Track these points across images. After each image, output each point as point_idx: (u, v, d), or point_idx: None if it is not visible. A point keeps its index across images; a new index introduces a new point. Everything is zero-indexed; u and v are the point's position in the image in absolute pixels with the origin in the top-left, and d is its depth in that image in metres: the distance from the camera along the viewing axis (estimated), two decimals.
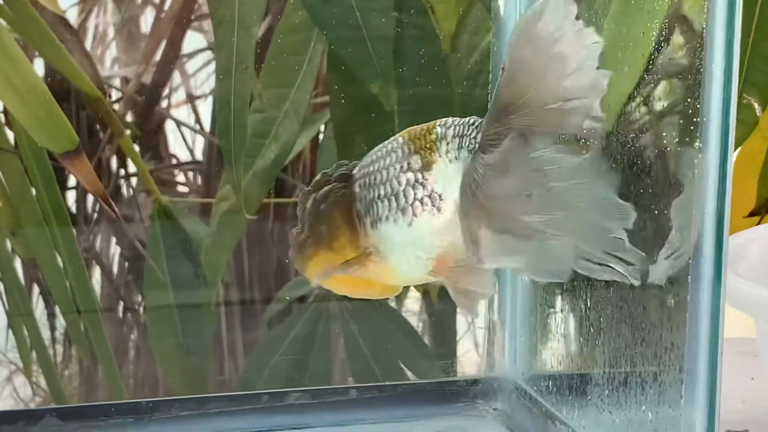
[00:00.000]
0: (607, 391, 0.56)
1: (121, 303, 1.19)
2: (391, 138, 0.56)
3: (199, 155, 1.29)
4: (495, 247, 0.51)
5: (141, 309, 1.10)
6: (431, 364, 0.93)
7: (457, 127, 0.55)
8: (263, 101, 0.84)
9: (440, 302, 0.90)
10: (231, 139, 0.80)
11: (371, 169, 0.56)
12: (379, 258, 0.55)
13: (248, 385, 0.91)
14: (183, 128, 1.30)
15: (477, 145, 0.54)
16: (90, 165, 0.93)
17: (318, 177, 0.58)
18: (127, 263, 1.28)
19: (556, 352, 0.64)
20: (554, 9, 0.51)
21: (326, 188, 0.56)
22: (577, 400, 0.60)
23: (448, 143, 0.55)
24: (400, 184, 0.55)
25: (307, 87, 0.87)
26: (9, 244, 1.08)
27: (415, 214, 0.55)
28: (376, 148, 0.57)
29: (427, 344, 0.93)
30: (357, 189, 0.56)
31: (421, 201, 0.55)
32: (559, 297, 0.64)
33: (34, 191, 1.04)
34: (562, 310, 0.64)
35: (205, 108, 1.28)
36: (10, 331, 1.15)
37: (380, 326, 0.90)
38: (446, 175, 0.55)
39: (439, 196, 0.55)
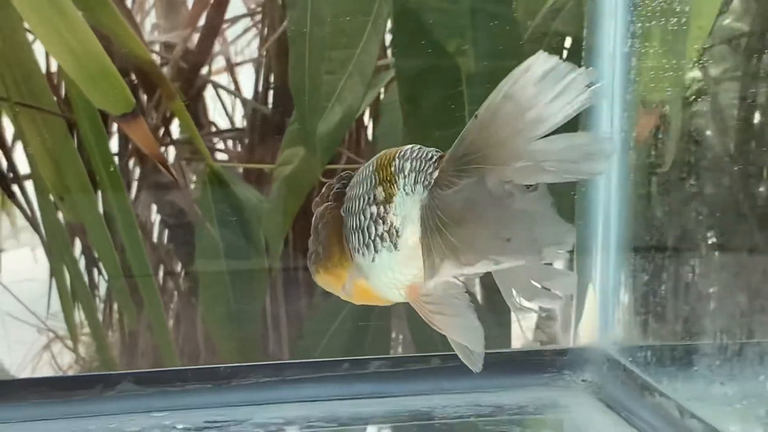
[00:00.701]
0: (717, 362, 0.53)
1: (162, 269, 1.16)
2: (369, 161, 0.56)
3: (238, 123, 1.25)
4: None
5: (182, 276, 1.07)
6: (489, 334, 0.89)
7: (414, 162, 0.54)
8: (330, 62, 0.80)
9: None
10: (305, 98, 0.76)
11: (351, 194, 0.56)
12: (363, 281, 0.55)
13: (304, 353, 0.88)
14: (222, 96, 1.26)
15: (432, 182, 0.53)
16: (147, 127, 0.89)
17: (324, 189, 0.57)
18: (168, 230, 1.24)
19: (656, 320, 0.61)
20: (539, 71, 0.49)
21: (322, 207, 0.56)
22: (681, 372, 0.56)
23: (405, 176, 0.54)
24: (365, 217, 0.55)
25: (373, 49, 0.83)
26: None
27: (377, 250, 0.54)
28: (359, 170, 0.56)
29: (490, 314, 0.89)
30: (343, 213, 0.56)
31: (381, 237, 0.55)
32: (660, 263, 0.61)
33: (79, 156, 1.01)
34: (663, 277, 0.60)
35: (245, 75, 1.24)
36: (53, 299, 1.12)
37: None
38: (404, 209, 0.54)
39: (397, 231, 0.54)
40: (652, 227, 0.63)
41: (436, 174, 0.53)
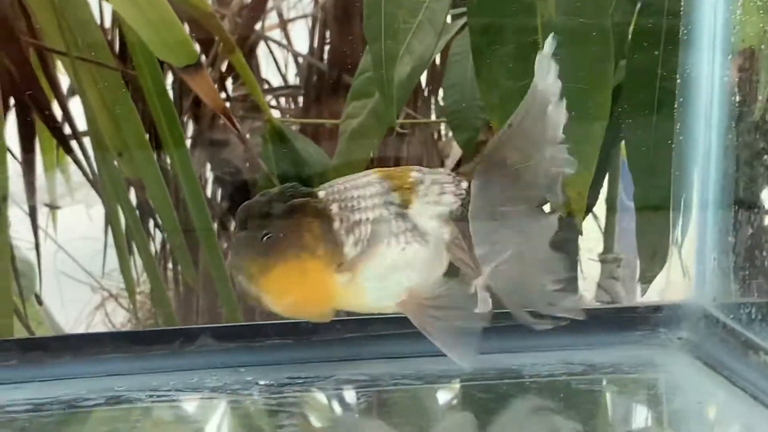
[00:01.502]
0: None
1: (216, 225, 1.13)
2: (361, 175, 0.58)
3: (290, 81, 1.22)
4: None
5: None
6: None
7: (435, 175, 0.58)
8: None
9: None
10: (381, 45, 0.72)
11: (351, 195, 0.57)
12: (354, 275, 0.56)
13: None
14: (275, 52, 1.22)
15: (464, 193, 0.57)
16: (210, 79, 0.85)
17: (257, 197, 0.57)
18: (221, 188, 1.21)
19: (760, 276, 0.57)
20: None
21: (299, 200, 0.56)
22: None
23: (427, 187, 0.57)
24: (389, 211, 0.57)
25: None
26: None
27: (407, 242, 0.56)
28: (344, 179, 0.58)
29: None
30: (335, 209, 0.56)
31: (411, 231, 0.57)
32: (764, 216, 0.57)
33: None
34: None
35: (297, 32, 1.20)
36: (108, 257, 1.09)
37: None
38: (423, 215, 0.57)
39: (424, 231, 0.57)
40: (755, 179, 0.59)
41: (464, 185, 0.57)
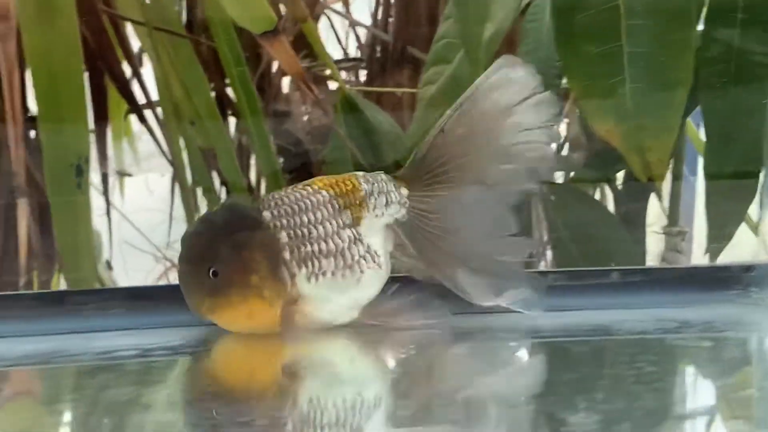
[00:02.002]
0: None
1: None
2: (309, 189, 0.57)
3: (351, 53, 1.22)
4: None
5: None
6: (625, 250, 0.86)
7: (377, 184, 0.57)
8: None
9: None
10: (467, 7, 0.72)
11: (300, 220, 0.56)
12: (308, 306, 0.56)
13: None
14: (335, 25, 1.22)
15: (406, 200, 0.57)
16: (289, 46, 0.86)
17: (199, 225, 0.56)
18: (283, 158, 1.22)
19: None
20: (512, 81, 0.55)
21: (244, 235, 0.55)
22: None
23: (375, 199, 0.57)
24: (342, 240, 0.56)
25: None
26: None
27: (362, 271, 0.56)
28: (293, 197, 0.56)
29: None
30: (284, 238, 0.55)
31: (364, 258, 0.57)
32: None
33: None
34: None
35: (358, 5, 1.20)
36: (174, 228, 1.10)
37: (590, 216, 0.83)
38: (372, 230, 0.57)
39: (376, 252, 0.57)
40: None
41: (405, 192, 0.57)
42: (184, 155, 1.03)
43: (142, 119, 1.02)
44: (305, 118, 1.26)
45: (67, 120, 0.82)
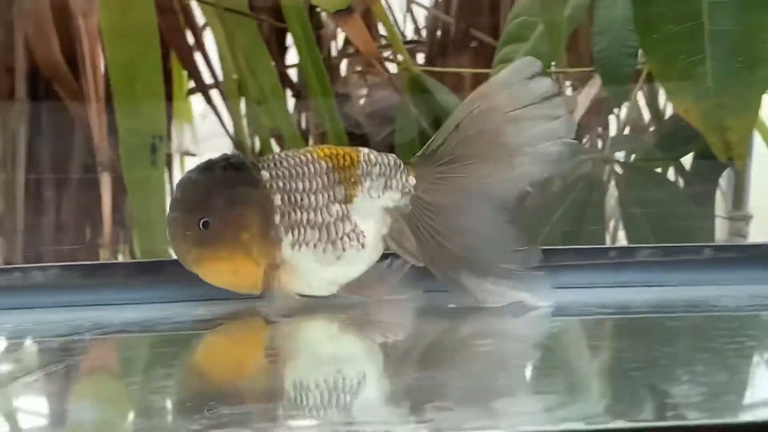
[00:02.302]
0: None
1: None
2: (308, 156, 0.56)
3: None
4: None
5: None
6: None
7: (381, 167, 0.57)
8: None
9: None
10: None
11: (295, 186, 0.55)
12: (289, 273, 0.56)
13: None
14: (393, 6, 1.22)
15: (412, 190, 0.56)
16: (362, 24, 0.86)
17: (198, 171, 0.55)
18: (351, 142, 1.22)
19: None
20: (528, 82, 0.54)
21: (243, 189, 0.55)
22: None
23: (372, 180, 0.56)
24: (330, 215, 0.56)
25: None
26: None
27: (344, 249, 0.56)
28: (292, 161, 0.56)
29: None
30: (278, 201, 0.55)
31: (348, 236, 0.56)
32: None
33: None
34: None
35: None
36: None
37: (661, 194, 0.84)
38: (364, 211, 0.56)
39: (362, 232, 0.56)
40: None
41: (412, 181, 0.56)
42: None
43: (208, 99, 1.02)
44: (362, 101, 1.26)
45: (143, 98, 0.83)
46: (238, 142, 1.04)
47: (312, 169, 0.56)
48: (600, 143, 1.15)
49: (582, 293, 0.61)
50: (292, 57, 1.13)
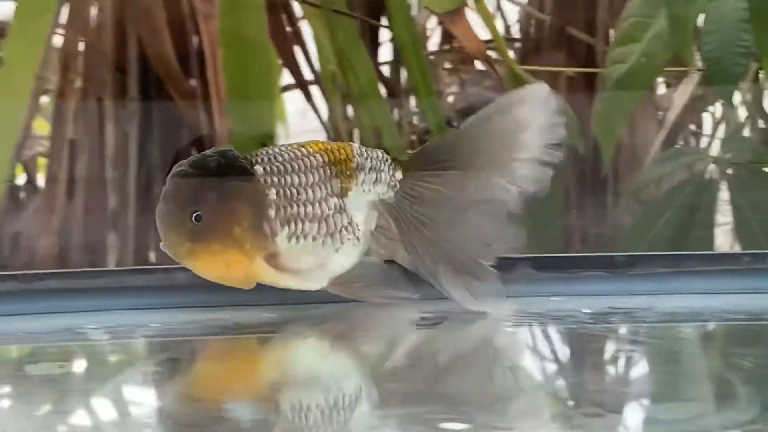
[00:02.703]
0: None
1: None
2: (304, 150, 0.56)
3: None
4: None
5: None
6: None
7: (373, 161, 0.57)
8: None
9: None
10: None
11: (291, 180, 0.55)
12: (284, 266, 0.56)
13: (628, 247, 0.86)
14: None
15: (398, 184, 0.57)
16: (471, 24, 0.87)
17: (189, 164, 0.55)
18: None
19: None
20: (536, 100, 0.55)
21: (236, 183, 0.55)
22: None
23: (365, 174, 0.57)
24: (328, 208, 0.56)
25: None
26: None
27: (342, 242, 0.56)
28: (287, 156, 0.56)
29: None
30: (272, 196, 0.55)
31: (346, 229, 0.57)
32: None
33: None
34: None
35: None
36: None
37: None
38: (357, 205, 0.57)
39: (357, 225, 0.57)
40: None
41: (399, 176, 0.57)
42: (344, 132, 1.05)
43: (308, 96, 1.04)
44: (450, 98, 1.27)
45: (254, 99, 0.85)
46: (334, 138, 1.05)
47: (308, 163, 0.56)
48: (694, 142, 1.15)
49: (715, 299, 0.61)
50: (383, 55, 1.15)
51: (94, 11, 0.93)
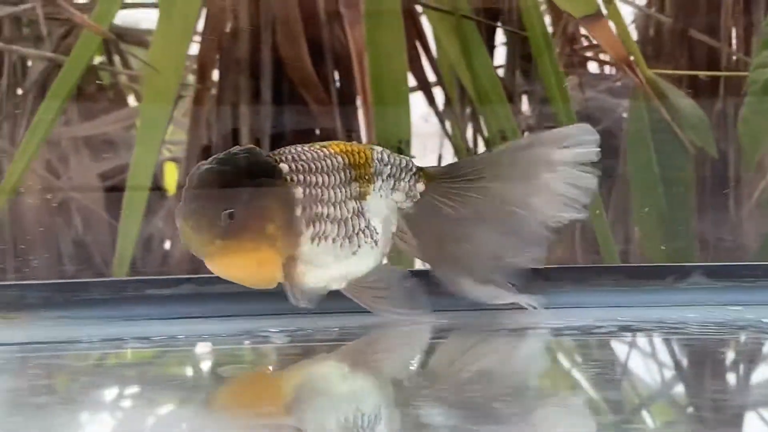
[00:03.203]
0: None
1: None
2: (325, 151, 0.56)
3: None
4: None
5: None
6: None
7: (393, 168, 0.58)
8: None
9: None
10: None
11: (315, 180, 0.55)
12: (304, 267, 0.55)
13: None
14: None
15: (418, 194, 0.58)
16: (611, 29, 0.86)
17: (217, 163, 0.54)
18: None
19: None
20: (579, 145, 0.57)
21: (269, 188, 0.54)
22: None
23: (383, 180, 0.57)
24: (348, 210, 0.56)
25: None
26: None
27: (359, 245, 0.56)
28: (310, 155, 0.56)
29: None
30: (299, 194, 0.55)
31: (363, 232, 0.56)
32: None
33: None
34: None
35: None
36: None
37: None
38: (374, 209, 0.57)
39: (375, 229, 0.57)
40: None
41: (420, 187, 0.57)
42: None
43: (431, 100, 1.05)
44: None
45: (391, 103, 0.86)
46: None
47: (330, 164, 0.56)
48: None
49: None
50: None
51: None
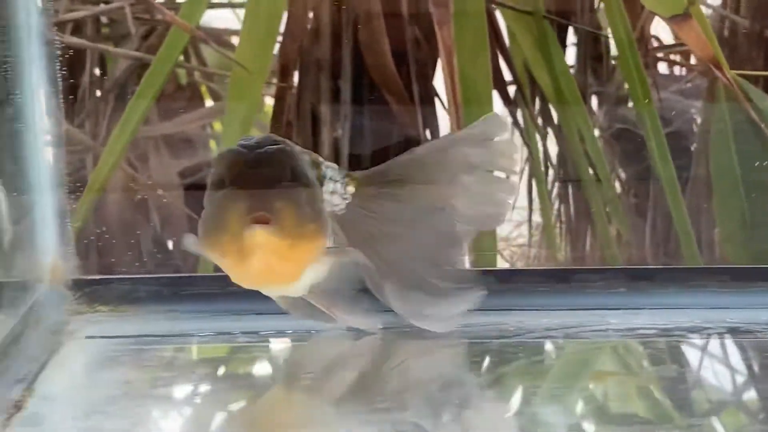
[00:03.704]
0: None
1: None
2: (297, 148, 0.55)
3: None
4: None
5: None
6: None
7: (332, 171, 0.57)
8: None
9: None
10: None
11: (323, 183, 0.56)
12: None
13: None
14: None
15: (350, 197, 0.57)
16: (700, 29, 0.86)
17: (261, 138, 0.53)
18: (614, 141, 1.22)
19: None
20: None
21: (315, 191, 0.54)
22: None
23: (326, 184, 0.57)
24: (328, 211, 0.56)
25: None
26: None
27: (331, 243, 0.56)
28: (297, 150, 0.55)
29: None
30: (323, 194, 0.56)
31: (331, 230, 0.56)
32: None
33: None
34: None
35: None
36: None
37: None
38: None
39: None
40: None
41: (351, 189, 0.57)
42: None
43: (507, 100, 1.05)
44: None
45: (475, 103, 0.86)
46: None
47: (306, 160, 0.55)
48: None
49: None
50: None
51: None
